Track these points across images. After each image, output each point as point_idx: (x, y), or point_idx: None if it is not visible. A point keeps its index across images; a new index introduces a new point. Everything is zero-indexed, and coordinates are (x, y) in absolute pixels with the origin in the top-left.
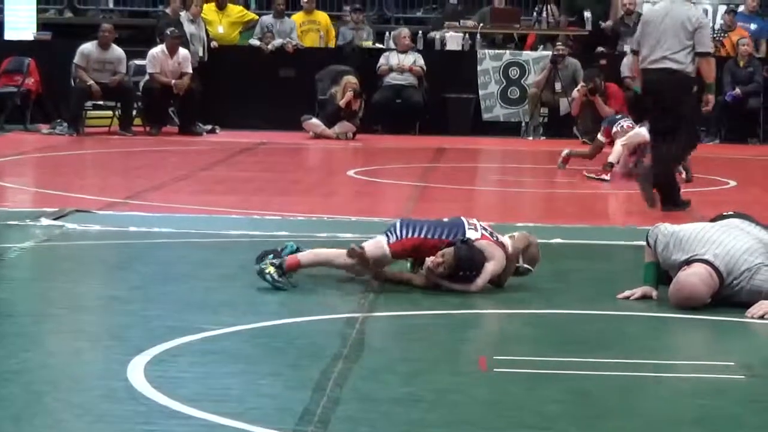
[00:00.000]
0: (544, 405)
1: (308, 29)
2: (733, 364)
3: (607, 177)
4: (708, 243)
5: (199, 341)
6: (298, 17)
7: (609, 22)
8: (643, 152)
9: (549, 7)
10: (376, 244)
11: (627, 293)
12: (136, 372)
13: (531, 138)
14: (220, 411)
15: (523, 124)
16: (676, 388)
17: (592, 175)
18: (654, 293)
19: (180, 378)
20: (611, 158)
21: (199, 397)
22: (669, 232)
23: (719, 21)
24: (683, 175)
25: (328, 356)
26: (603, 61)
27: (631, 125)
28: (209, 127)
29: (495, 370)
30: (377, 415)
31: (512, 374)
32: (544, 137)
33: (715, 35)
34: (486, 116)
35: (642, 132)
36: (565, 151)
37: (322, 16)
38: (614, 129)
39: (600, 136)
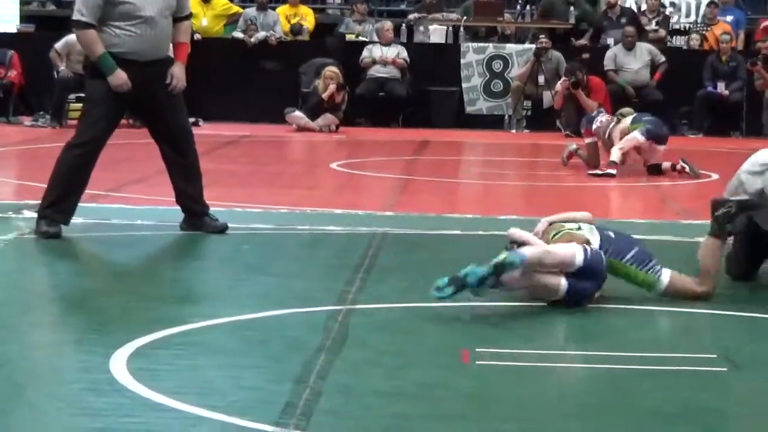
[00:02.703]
0: (528, 398)
1: (293, 21)
2: (715, 356)
3: (613, 171)
4: None
5: (181, 334)
6: (283, 9)
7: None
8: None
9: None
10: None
11: None
12: (118, 364)
13: (514, 131)
14: (202, 403)
15: (506, 117)
16: (660, 380)
17: (597, 172)
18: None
19: (162, 370)
20: (613, 158)
21: (182, 389)
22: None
23: (701, 14)
24: (687, 170)
25: (311, 349)
26: (586, 55)
27: (608, 118)
28: (192, 119)
29: (478, 362)
30: (360, 408)
31: (495, 367)
32: (528, 130)
33: (697, 29)
34: (469, 109)
35: (637, 136)
36: (573, 146)
37: (305, 9)
38: (594, 126)
39: (588, 139)
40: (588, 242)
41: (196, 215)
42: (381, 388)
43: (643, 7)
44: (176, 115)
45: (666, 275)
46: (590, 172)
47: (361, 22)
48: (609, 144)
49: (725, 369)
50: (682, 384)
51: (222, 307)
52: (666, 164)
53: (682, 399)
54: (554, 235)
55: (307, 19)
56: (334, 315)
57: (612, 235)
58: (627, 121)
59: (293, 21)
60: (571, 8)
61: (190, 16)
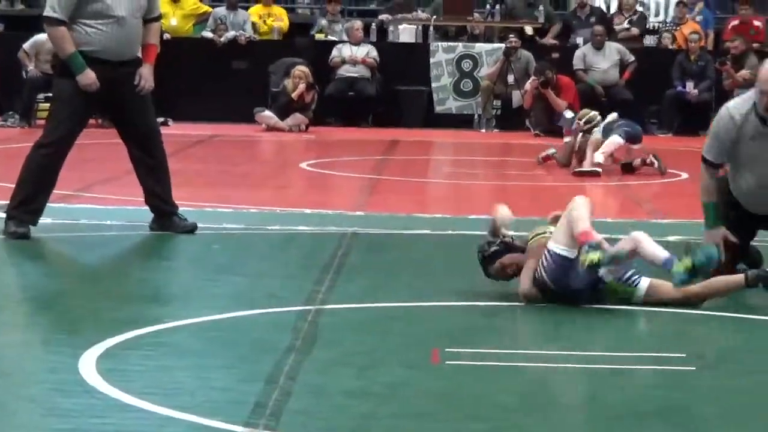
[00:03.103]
0: (498, 397)
1: (270, 22)
2: (685, 355)
3: (599, 168)
4: None
5: (150, 334)
6: (256, 9)
7: None
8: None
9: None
10: None
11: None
12: (87, 365)
13: (484, 130)
14: (172, 404)
15: (476, 116)
16: (630, 379)
17: (583, 169)
18: (727, 235)
19: (132, 371)
20: (597, 160)
21: (151, 390)
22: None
23: (671, 14)
24: (656, 165)
25: (281, 349)
26: (555, 54)
27: (583, 126)
28: (161, 119)
29: (447, 362)
30: (329, 408)
31: (465, 366)
32: (497, 129)
33: (667, 28)
34: (439, 108)
35: (616, 139)
36: (552, 150)
37: (279, 9)
38: (573, 125)
39: (566, 139)
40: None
41: (165, 215)
42: (350, 388)
43: (613, 6)
44: (144, 115)
45: (644, 285)
46: (576, 169)
47: (333, 22)
48: (580, 155)
49: (694, 368)
50: (650, 383)
51: (192, 307)
52: (637, 161)
53: (651, 397)
54: (539, 234)
55: (282, 19)
56: (304, 315)
57: None
58: (597, 134)
59: (268, 21)
60: (541, 7)
61: (160, 17)
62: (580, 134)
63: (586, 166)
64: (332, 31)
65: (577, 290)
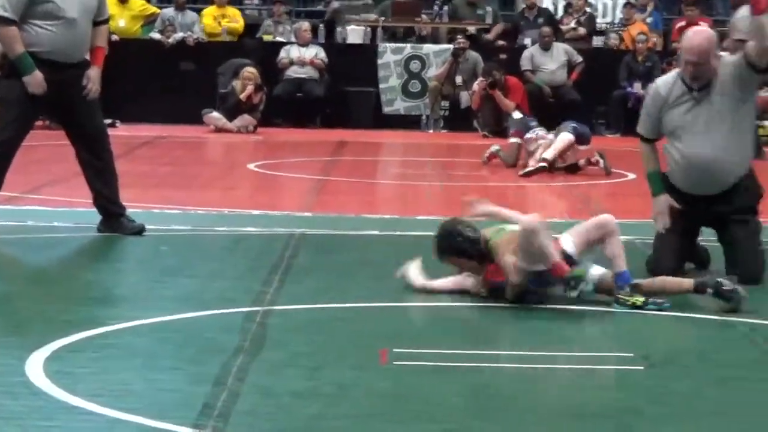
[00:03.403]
0: (445, 398)
1: (224, 23)
2: (632, 354)
3: (545, 163)
4: None
5: (98, 336)
6: (210, 11)
7: None
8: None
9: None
10: None
11: (660, 226)
12: (34, 367)
13: (432, 131)
14: (120, 406)
15: (424, 117)
16: (576, 379)
17: (530, 169)
18: (672, 202)
19: (79, 373)
20: (546, 156)
21: (99, 392)
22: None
23: (619, 14)
24: (601, 164)
25: (229, 350)
26: (503, 55)
27: (544, 134)
28: (109, 120)
29: (395, 363)
30: (278, 409)
31: (413, 367)
32: (445, 130)
33: (615, 29)
34: (387, 109)
35: (566, 136)
36: (495, 148)
37: (233, 11)
38: (528, 135)
39: (513, 138)
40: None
41: (112, 217)
42: (299, 389)
43: (561, 7)
44: (92, 117)
45: (592, 268)
46: (522, 172)
47: (279, 23)
48: (530, 157)
49: (641, 368)
50: (598, 383)
51: (140, 309)
52: (582, 160)
53: (598, 397)
54: (495, 233)
55: (237, 20)
56: (252, 316)
57: None
58: (550, 136)
59: (222, 22)
60: (488, 8)
61: (108, 20)
62: (546, 141)
63: (532, 164)
64: (277, 32)
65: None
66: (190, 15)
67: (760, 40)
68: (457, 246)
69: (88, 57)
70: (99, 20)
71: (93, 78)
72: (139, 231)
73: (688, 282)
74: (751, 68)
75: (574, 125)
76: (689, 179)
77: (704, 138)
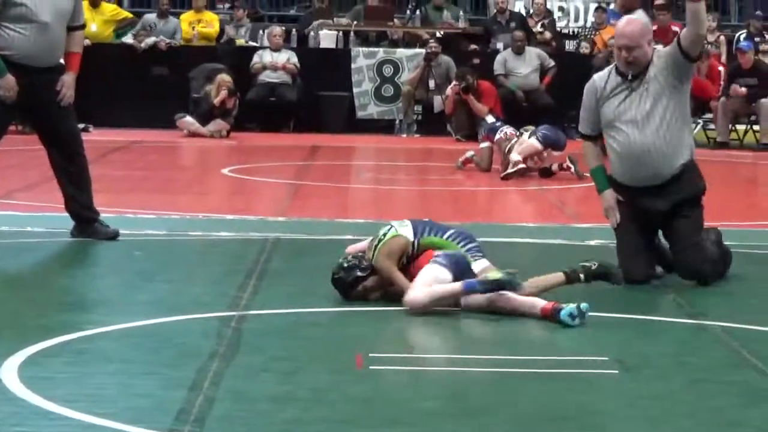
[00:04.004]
0: (420, 402)
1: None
2: (606, 359)
3: (522, 165)
4: None
5: (73, 341)
6: (187, 16)
7: None
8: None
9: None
10: None
11: (613, 221)
12: (9, 372)
13: (405, 135)
14: (95, 411)
15: (397, 121)
16: (551, 383)
17: (509, 172)
18: (617, 196)
19: (54, 378)
20: (513, 157)
21: (74, 397)
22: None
23: (590, 18)
24: (572, 170)
25: (204, 355)
26: (476, 60)
27: (513, 132)
28: (82, 125)
29: (371, 367)
30: (253, 414)
31: (388, 371)
32: (418, 135)
33: (586, 33)
34: (360, 114)
35: (533, 143)
36: (470, 153)
37: (210, 15)
38: (497, 136)
39: (483, 144)
40: (403, 239)
41: (86, 222)
42: (274, 394)
43: (534, 12)
44: (65, 122)
45: (480, 265)
46: (502, 174)
47: (239, 26)
48: (506, 158)
49: (616, 371)
50: (573, 387)
51: (114, 314)
52: (554, 165)
53: (573, 401)
54: (375, 249)
55: (213, 25)
56: (227, 321)
57: (424, 220)
58: (526, 137)
59: (197, 27)
60: (461, 12)
61: (84, 26)
62: (515, 139)
63: (511, 168)
64: (239, 35)
65: None
66: (173, 22)
67: (695, 27)
68: (342, 280)
69: (62, 61)
70: (74, 25)
71: (67, 83)
72: (114, 236)
73: (559, 276)
74: (685, 57)
75: (547, 132)
76: (629, 170)
77: (640, 127)
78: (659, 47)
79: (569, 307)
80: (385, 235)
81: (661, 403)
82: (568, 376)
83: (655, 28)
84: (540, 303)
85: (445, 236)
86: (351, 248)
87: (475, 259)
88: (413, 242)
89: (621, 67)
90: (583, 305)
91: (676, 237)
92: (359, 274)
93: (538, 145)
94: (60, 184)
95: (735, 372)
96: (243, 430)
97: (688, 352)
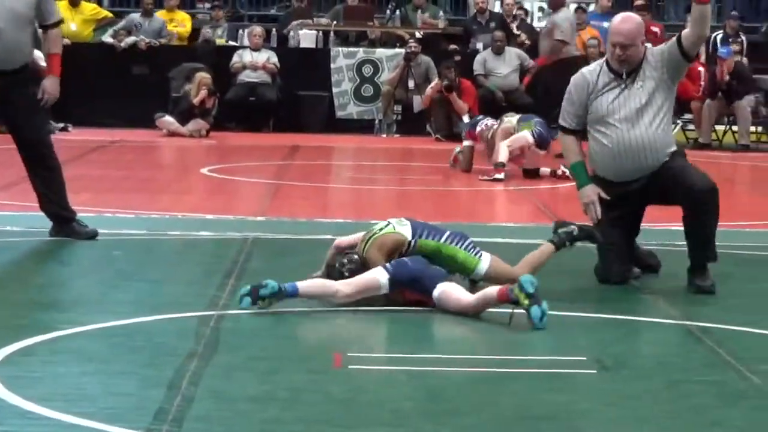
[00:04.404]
0: (398, 402)
1: (171, 27)
2: (584, 358)
3: (500, 176)
4: None
5: (51, 341)
6: (160, 14)
7: None
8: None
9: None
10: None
11: (593, 215)
12: None
13: (385, 135)
14: (73, 410)
15: (377, 121)
16: (529, 383)
17: (486, 177)
18: (599, 191)
19: (32, 377)
20: (500, 158)
21: (52, 396)
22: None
23: None
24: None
25: (183, 354)
26: (457, 57)
27: (493, 122)
28: (61, 125)
29: (350, 366)
30: (232, 414)
31: (366, 371)
32: (398, 134)
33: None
34: (340, 114)
35: (526, 136)
36: (457, 149)
37: (182, 15)
38: (478, 129)
39: (466, 142)
40: (400, 237)
41: (64, 221)
42: (253, 393)
43: (515, 12)
44: (33, 126)
45: (486, 258)
46: (481, 178)
47: (216, 27)
48: (491, 144)
49: (594, 371)
50: (551, 386)
51: (93, 313)
52: (545, 169)
53: (552, 401)
54: (368, 241)
55: (185, 25)
56: (206, 320)
57: (423, 222)
58: (513, 121)
59: (170, 26)
60: (440, 12)
61: (58, 23)
62: (496, 125)
63: (497, 159)
64: (216, 35)
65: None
66: (158, 20)
67: (699, 28)
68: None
69: (43, 64)
70: (47, 24)
71: (47, 88)
72: (92, 236)
73: (547, 247)
74: (684, 56)
75: (542, 130)
76: (620, 166)
77: (633, 125)
78: (650, 45)
79: (536, 308)
80: (381, 230)
81: (640, 403)
82: (547, 376)
83: None
84: (493, 290)
85: (443, 239)
86: (340, 240)
87: (479, 256)
88: (410, 242)
89: (614, 64)
90: (544, 305)
91: (675, 176)
92: (352, 266)
93: (530, 140)
94: (33, 184)
95: (714, 372)
96: (221, 430)
97: (667, 352)
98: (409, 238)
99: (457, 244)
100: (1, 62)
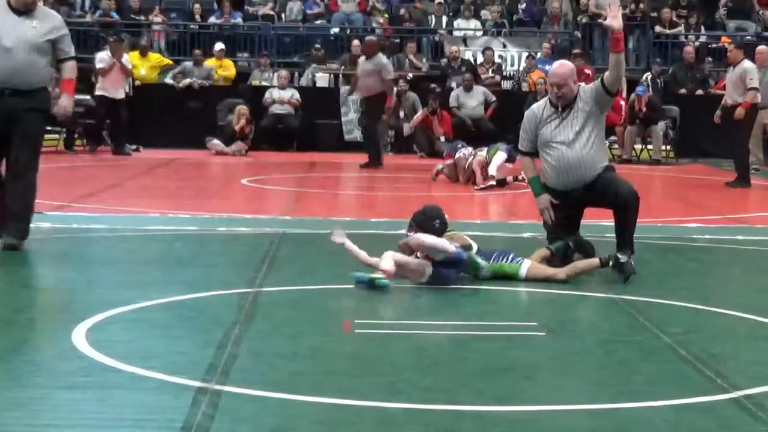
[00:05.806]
0: (394, 358)
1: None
2: (535, 323)
3: (493, 182)
4: None
5: (128, 312)
6: (210, 62)
7: None
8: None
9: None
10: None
11: (547, 217)
12: (79, 336)
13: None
14: (145, 365)
15: None
16: (493, 343)
17: (481, 186)
18: (551, 198)
19: (114, 340)
20: (492, 173)
21: (129, 354)
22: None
23: (522, 63)
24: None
25: (228, 322)
26: (438, 89)
27: (472, 152)
28: (135, 146)
29: (357, 331)
30: (267, 367)
31: (370, 334)
32: (392, 153)
33: (519, 75)
34: (347, 137)
35: (503, 156)
36: (440, 166)
37: (227, 62)
38: (457, 155)
39: (448, 161)
40: (470, 244)
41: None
42: (282, 351)
43: (480, 59)
44: (25, 157)
45: (525, 264)
46: (476, 187)
47: (263, 71)
48: (469, 172)
49: (543, 333)
50: (509, 345)
51: (160, 291)
52: (509, 177)
53: (509, 357)
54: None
55: (230, 69)
56: (246, 296)
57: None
58: (483, 153)
59: (219, 71)
60: (423, 59)
61: (71, 58)
62: (472, 157)
63: (481, 184)
64: (263, 78)
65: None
66: (206, 68)
67: (616, 72)
68: (430, 228)
69: (48, 87)
70: (61, 58)
71: (61, 104)
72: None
73: (593, 261)
74: (607, 92)
75: (509, 147)
76: (562, 179)
77: (570, 146)
78: (582, 84)
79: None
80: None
81: (578, 358)
82: (507, 337)
83: None
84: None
85: (492, 260)
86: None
87: (520, 263)
88: (471, 249)
89: (553, 100)
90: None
91: (605, 186)
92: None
93: (505, 156)
94: (6, 193)
95: (634, 333)
96: (258, 380)
97: (599, 319)
98: (475, 248)
99: (503, 260)
100: (12, 80)
